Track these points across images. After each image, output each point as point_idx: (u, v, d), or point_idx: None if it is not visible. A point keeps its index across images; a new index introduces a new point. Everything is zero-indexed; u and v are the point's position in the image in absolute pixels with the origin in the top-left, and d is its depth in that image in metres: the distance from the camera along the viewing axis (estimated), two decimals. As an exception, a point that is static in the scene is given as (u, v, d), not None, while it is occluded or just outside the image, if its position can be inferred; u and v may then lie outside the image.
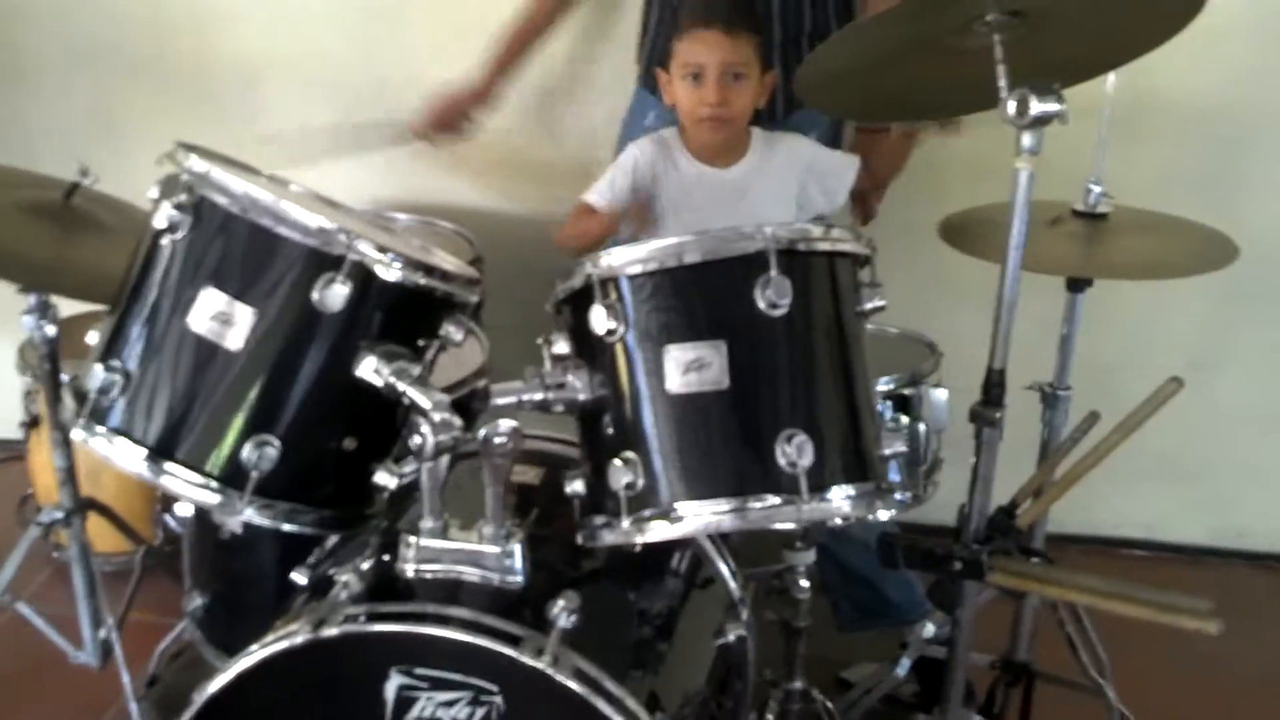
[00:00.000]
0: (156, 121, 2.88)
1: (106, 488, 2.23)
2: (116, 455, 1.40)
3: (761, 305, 1.31)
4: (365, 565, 1.52)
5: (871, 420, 1.40)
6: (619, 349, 1.36)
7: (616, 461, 1.34)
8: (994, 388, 1.55)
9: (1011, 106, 1.44)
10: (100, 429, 1.40)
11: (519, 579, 1.44)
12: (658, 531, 1.34)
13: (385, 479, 1.48)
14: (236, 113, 2.88)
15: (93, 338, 1.51)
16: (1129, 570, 2.84)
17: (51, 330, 1.96)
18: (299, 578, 1.61)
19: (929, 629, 2.00)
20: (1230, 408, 2.80)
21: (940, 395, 1.84)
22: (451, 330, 1.48)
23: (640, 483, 1.33)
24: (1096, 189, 1.84)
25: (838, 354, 1.38)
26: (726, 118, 2.00)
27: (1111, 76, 1.79)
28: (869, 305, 1.42)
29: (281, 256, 1.37)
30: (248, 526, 1.68)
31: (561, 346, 1.44)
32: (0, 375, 2.63)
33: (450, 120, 2.50)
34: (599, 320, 1.35)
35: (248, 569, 1.94)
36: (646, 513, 1.34)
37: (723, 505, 1.31)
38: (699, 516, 1.32)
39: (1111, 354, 2.62)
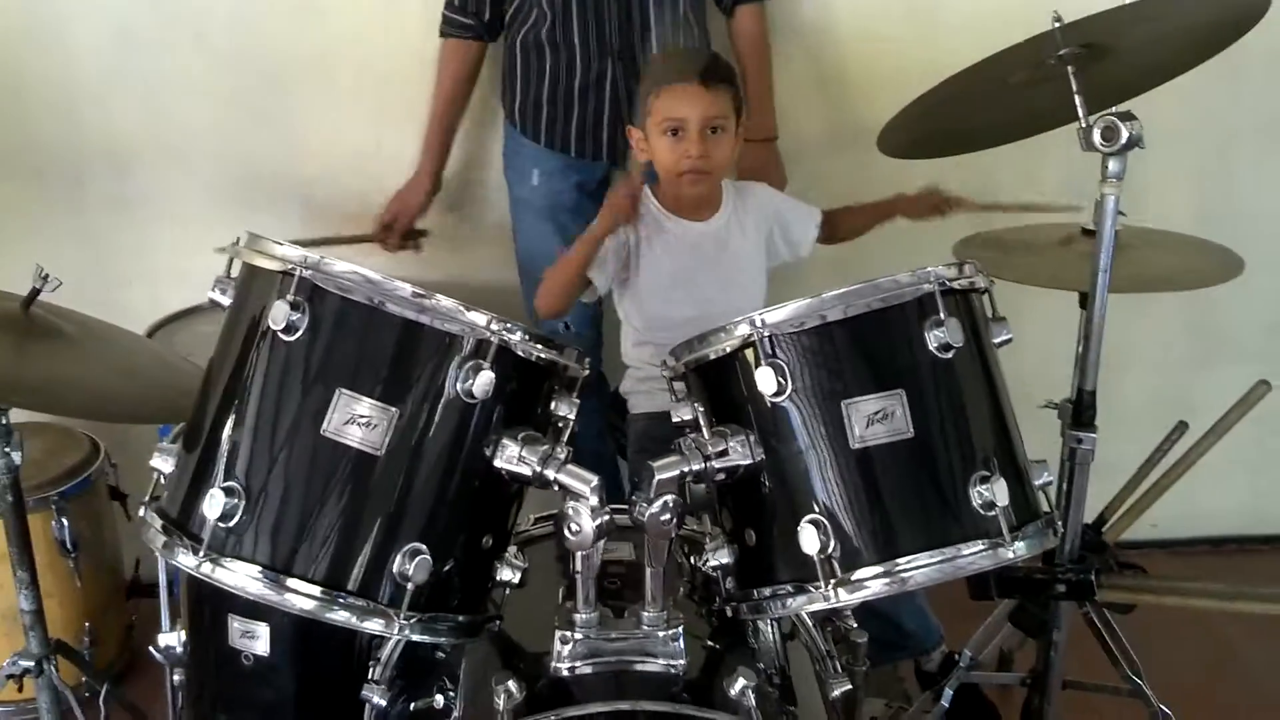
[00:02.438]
0: (19, 211, 2.60)
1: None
2: (243, 583, 1.25)
3: (933, 348, 1.30)
4: (496, 669, 1.40)
5: (1025, 454, 1.40)
6: (785, 409, 1.31)
7: (804, 526, 1.28)
8: (1085, 410, 1.59)
9: (1097, 134, 1.49)
10: (228, 560, 1.24)
11: (682, 661, 1.37)
12: (860, 592, 1.28)
13: (509, 574, 1.39)
14: (104, 200, 2.63)
15: (163, 463, 1.35)
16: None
17: (17, 457, 1.73)
18: (377, 698, 1.48)
19: (965, 657, 2.04)
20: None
21: None
22: (564, 408, 1.40)
23: (833, 544, 1.28)
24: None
25: (995, 390, 1.37)
26: (707, 169, 1.98)
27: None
28: (999, 339, 1.42)
29: (421, 347, 1.27)
30: (277, 648, 1.56)
31: (687, 412, 1.39)
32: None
33: (411, 218, 2.52)
34: (766, 381, 1.29)
35: (275, 697, 1.74)
36: (850, 575, 1.28)
37: (928, 558, 1.28)
38: (905, 572, 1.28)
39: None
